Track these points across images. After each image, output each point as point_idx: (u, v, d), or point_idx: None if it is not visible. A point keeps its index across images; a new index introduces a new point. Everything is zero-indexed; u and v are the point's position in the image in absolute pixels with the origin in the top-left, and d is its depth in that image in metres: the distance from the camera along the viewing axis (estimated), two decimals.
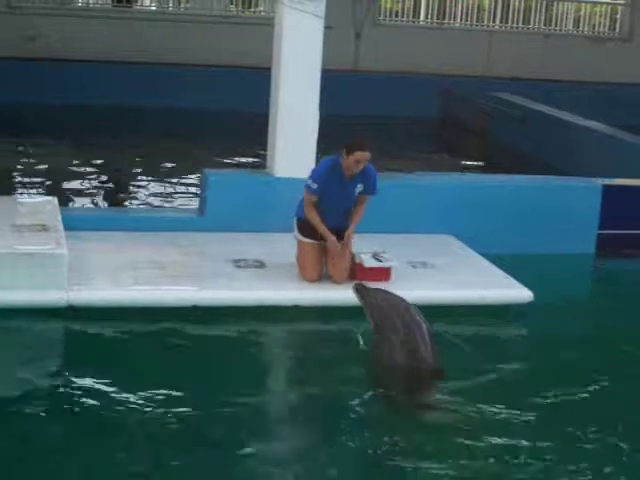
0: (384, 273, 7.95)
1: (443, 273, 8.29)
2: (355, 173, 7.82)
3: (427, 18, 19.36)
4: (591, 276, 9.54)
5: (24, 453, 5.42)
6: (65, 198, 10.65)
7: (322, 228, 7.84)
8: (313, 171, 7.96)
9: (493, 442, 5.76)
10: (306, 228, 7.93)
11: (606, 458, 5.66)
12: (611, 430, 5.93)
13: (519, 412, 6.17)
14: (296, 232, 8.00)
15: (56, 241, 7.53)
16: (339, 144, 7.84)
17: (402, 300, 6.72)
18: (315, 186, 7.79)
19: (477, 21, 19.58)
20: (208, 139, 14.44)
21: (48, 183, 11.60)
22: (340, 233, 7.91)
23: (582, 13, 20.18)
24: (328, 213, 7.86)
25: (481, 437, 5.79)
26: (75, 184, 11.74)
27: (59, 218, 8.12)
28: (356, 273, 7.90)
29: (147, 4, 19.79)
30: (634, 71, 18.18)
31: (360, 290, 6.92)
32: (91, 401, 6.00)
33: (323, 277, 7.93)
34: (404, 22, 19.18)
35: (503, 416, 6.11)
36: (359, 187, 7.92)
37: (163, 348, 6.91)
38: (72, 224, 8.12)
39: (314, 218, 7.84)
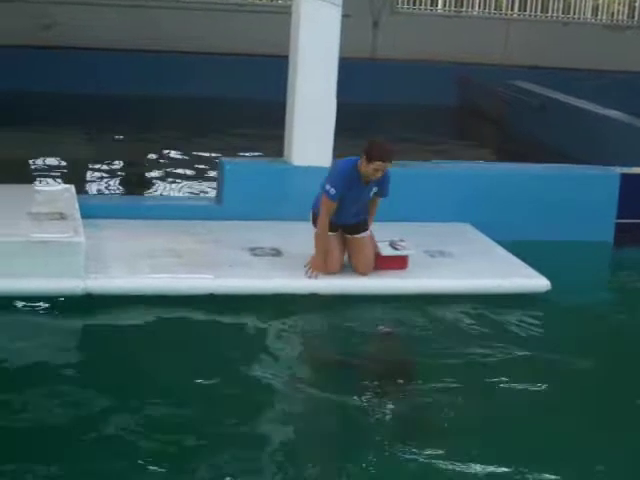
0: (401, 261, 7.94)
1: (460, 262, 8.27)
2: (372, 180, 7.69)
3: (445, 6, 19.31)
4: (609, 265, 9.49)
5: None
6: (82, 186, 10.67)
7: (323, 242, 7.71)
8: (331, 175, 7.71)
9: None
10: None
11: None
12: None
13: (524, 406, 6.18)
14: (313, 226, 7.85)
15: (73, 229, 7.54)
16: (359, 144, 7.69)
17: None
18: (334, 192, 7.60)
19: (495, 9, 19.50)
20: (225, 128, 14.42)
21: (65, 172, 11.61)
22: (347, 228, 7.84)
23: (600, 1, 20.06)
24: (339, 211, 7.73)
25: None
26: (92, 172, 11.76)
27: (76, 206, 8.13)
28: (374, 261, 7.89)
29: None
30: None
31: None
32: (107, 388, 6.02)
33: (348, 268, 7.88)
34: (422, 10, 19.11)
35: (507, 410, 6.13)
36: (374, 189, 7.81)
37: (180, 336, 6.92)
38: (89, 212, 8.15)
39: (324, 228, 7.69)
